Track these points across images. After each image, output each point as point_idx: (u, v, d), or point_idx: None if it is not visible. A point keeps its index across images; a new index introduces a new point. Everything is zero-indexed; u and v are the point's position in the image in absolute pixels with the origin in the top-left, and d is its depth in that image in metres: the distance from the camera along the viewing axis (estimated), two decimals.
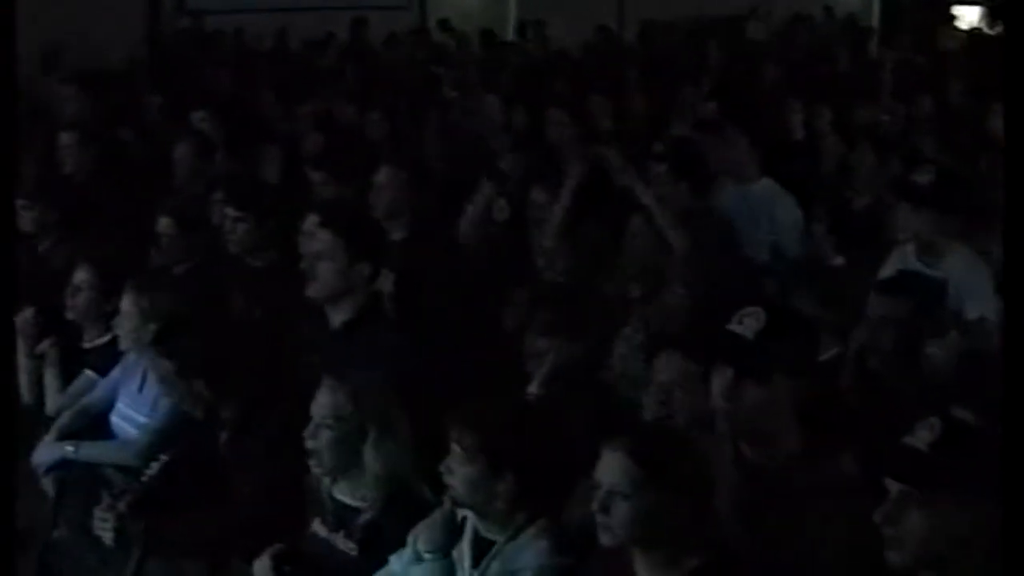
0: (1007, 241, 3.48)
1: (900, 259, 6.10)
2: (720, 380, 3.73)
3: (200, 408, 4.91)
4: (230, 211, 6.50)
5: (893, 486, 3.16)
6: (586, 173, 6.48)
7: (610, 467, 3.47)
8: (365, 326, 5.20)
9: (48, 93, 10.79)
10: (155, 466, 5.04)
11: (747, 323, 3.73)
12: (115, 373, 5.64)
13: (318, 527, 4.34)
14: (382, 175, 6.68)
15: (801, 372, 3.79)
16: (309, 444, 4.23)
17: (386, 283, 6.05)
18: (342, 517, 4.27)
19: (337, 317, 5.24)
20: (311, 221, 5.56)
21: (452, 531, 3.94)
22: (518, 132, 9.17)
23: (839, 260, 6.67)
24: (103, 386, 5.67)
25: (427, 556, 3.92)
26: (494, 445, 3.84)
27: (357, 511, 4.25)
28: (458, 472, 3.85)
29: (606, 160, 6.52)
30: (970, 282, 5.75)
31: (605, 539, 3.48)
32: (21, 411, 5.82)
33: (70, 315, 5.88)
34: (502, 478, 3.82)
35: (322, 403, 4.25)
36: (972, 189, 7.25)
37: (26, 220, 6.62)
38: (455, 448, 3.86)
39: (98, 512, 4.64)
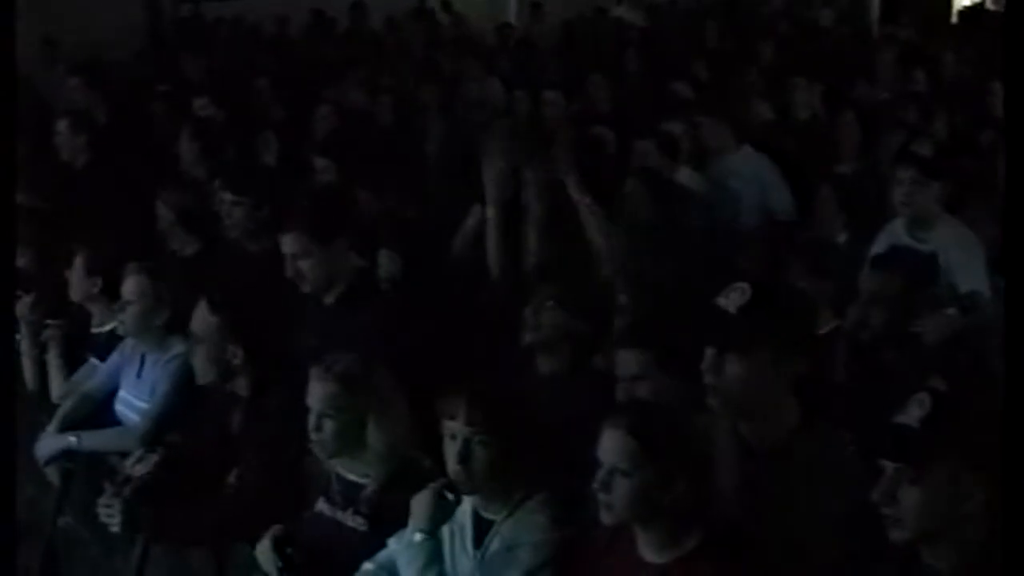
0: (1007, 232, 3.47)
1: (891, 234, 6.12)
2: (706, 355, 3.74)
3: (216, 374, 4.89)
4: (227, 196, 6.55)
5: (888, 465, 3.17)
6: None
7: (610, 445, 3.49)
8: (356, 301, 5.27)
9: (50, 84, 10.84)
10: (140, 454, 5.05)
11: (732, 297, 3.74)
12: (114, 358, 5.66)
13: (323, 506, 4.34)
14: None
15: (792, 347, 3.78)
16: (313, 436, 4.23)
17: (392, 265, 6.10)
18: (348, 495, 4.27)
19: (329, 297, 5.33)
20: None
21: (440, 511, 3.93)
22: (517, 114, 9.19)
23: (843, 236, 6.69)
24: (103, 372, 5.69)
25: (416, 537, 3.93)
26: (511, 428, 3.84)
27: (363, 487, 4.25)
28: (479, 457, 3.82)
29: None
30: (961, 256, 5.76)
31: (606, 517, 3.52)
32: (24, 398, 5.88)
33: (74, 297, 5.92)
34: (516, 458, 3.84)
35: (317, 395, 4.23)
36: (972, 163, 7.28)
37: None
38: (470, 432, 3.82)
39: (103, 500, 4.64)
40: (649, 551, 3.54)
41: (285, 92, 10.04)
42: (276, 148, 8.33)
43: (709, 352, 3.73)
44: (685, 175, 7.61)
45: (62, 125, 8.18)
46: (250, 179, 6.91)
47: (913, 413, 3.18)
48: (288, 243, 5.36)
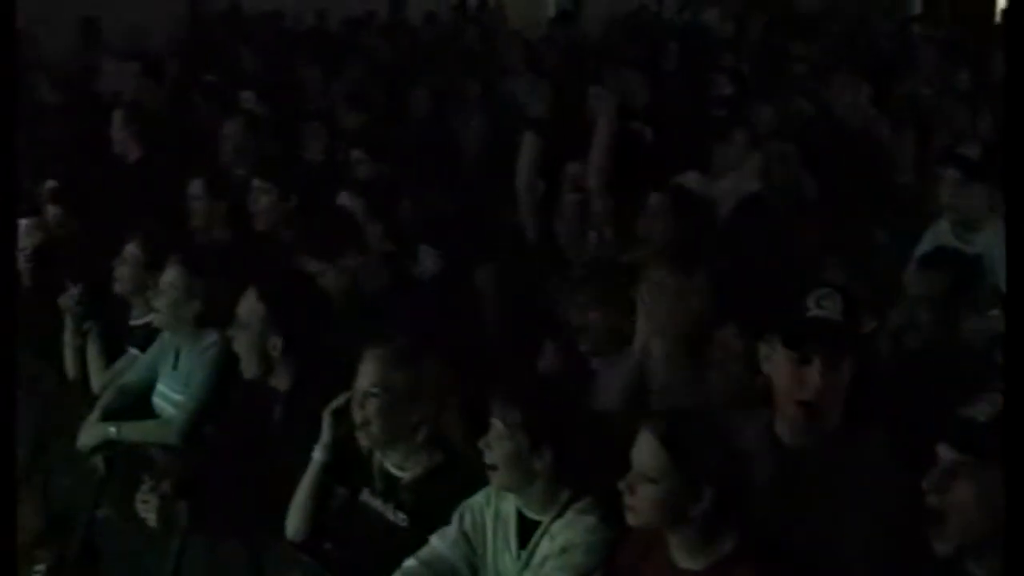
0: (1008, 229, 3.41)
1: (936, 235, 6.08)
2: (814, 369, 3.62)
3: (259, 365, 4.91)
4: (255, 182, 6.58)
5: (947, 455, 3.08)
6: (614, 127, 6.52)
7: (641, 449, 3.48)
8: (392, 296, 5.32)
9: (93, 72, 10.91)
10: None
11: (827, 305, 3.64)
12: (152, 351, 5.68)
13: (367, 497, 4.32)
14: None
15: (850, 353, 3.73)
16: (357, 416, 4.20)
17: (431, 260, 6.12)
18: (389, 487, 4.26)
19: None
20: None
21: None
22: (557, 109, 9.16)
23: (884, 235, 6.66)
24: (141, 364, 5.70)
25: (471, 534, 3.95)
26: (535, 421, 3.81)
27: (401, 479, 4.24)
28: (497, 449, 3.84)
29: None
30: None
31: (630, 519, 3.51)
32: (67, 387, 5.91)
33: (117, 288, 5.92)
34: (540, 455, 3.81)
35: (366, 372, 4.21)
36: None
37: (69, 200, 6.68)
38: (496, 424, 3.84)
39: (140, 494, 4.65)
40: (682, 557, 3.52)
41: (327, 84, 10.09)
42: (325, 139, 8.33)
43: (818, 362, 3.62)
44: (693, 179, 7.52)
45: (117, 116, 8.21)
46: (280, 168, 6.94)
47: (983, 409, 3.08)
48: (308, 264, 5.63)
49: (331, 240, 5.72)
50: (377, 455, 4.30)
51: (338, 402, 4.39)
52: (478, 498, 4.01)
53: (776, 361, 3.71)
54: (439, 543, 3.98)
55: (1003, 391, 3.06)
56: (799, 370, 3.64)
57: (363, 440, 4.25)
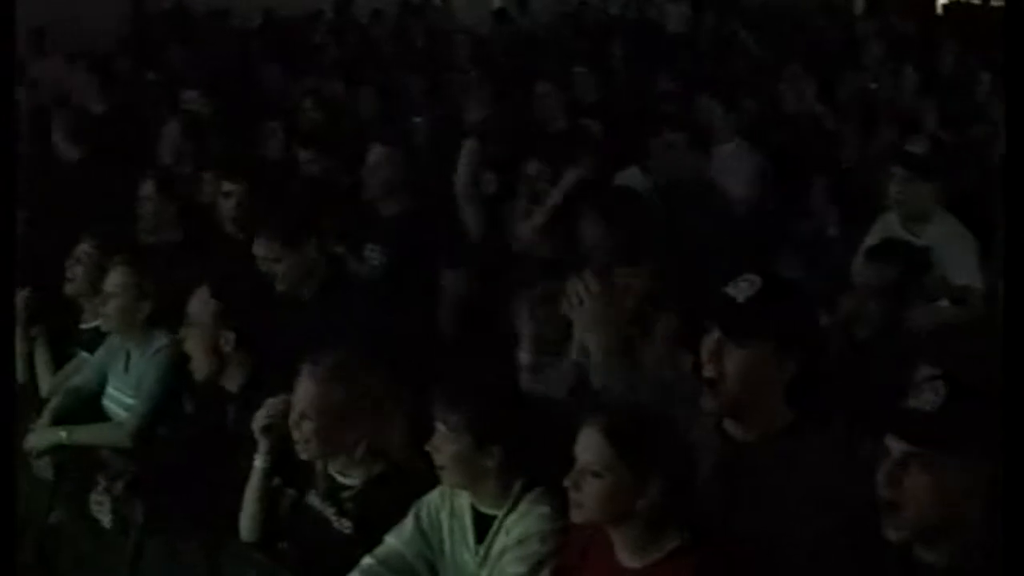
0: (1008, 234, 3.43)
1: (885, 227, 6.14)
2: (707, 341, 3.67)
3: (211, 364, 4.89)
4: (227, 185, 6.54)
5: (897, 446, 3.10)
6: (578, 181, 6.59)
7: (585, 444, 3.47)
8: (332, 296, 5.33)
9: (38, 72, 10.84)
10: None
11: (741, 287, 3.69)
12: (100, 353, 5.64)
13: (313, 500, 4.33)
14: (373, 155, 6.76)
15: (793, 344, 3.74)
16: (295, 435, 4.20)
17: (375, 256, 6.11)
18: (333, 493, 4.26)
19: (305, 293, 5.56)
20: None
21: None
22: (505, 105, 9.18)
23: (833, 230, 6.71)
24: (90, 367, 5.66)
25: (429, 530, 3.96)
26: (480, 422, 3.83)
27: (346, 487, 4.24)
28: (444, 451, 3.86)
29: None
30: (954, 251, 5.78)
31: (576, 516, 3.50)
32: (15, 392, 5.86)
33: (69, 289, 5.86)
34: (489, 454, 3.83)
35: (300, 393, 4.21)
36: (965, 158, 7.32)
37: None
38: (440, 427, 3.86)
39: (95, 495, 4.63)
40: (626, 555, 3.51)
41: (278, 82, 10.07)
42: (281, 138, 8.32)
43: (711, 338, 3.65)
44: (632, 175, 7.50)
45: (54, 119, 8.17)
46: (249, 168, 6.92)
47: (927, 398, 3.11)
48: (260, 247, 5.64)
49: (290, 225, 5.74)
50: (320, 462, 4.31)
51: (265, 419, 4.40)
52: (433, 495, 4.01)
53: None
54: (395, 540, 3.98)
55: (1002, 389, 3.09)
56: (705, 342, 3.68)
57: (303, 455, 4.25)
